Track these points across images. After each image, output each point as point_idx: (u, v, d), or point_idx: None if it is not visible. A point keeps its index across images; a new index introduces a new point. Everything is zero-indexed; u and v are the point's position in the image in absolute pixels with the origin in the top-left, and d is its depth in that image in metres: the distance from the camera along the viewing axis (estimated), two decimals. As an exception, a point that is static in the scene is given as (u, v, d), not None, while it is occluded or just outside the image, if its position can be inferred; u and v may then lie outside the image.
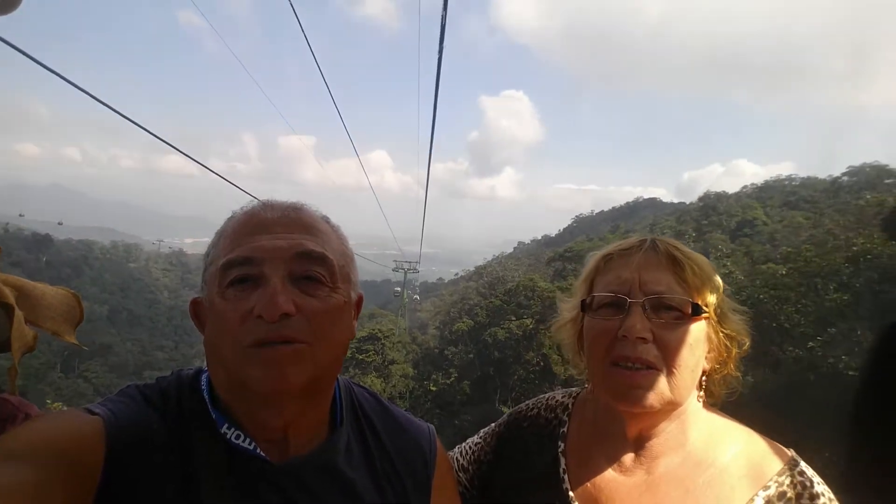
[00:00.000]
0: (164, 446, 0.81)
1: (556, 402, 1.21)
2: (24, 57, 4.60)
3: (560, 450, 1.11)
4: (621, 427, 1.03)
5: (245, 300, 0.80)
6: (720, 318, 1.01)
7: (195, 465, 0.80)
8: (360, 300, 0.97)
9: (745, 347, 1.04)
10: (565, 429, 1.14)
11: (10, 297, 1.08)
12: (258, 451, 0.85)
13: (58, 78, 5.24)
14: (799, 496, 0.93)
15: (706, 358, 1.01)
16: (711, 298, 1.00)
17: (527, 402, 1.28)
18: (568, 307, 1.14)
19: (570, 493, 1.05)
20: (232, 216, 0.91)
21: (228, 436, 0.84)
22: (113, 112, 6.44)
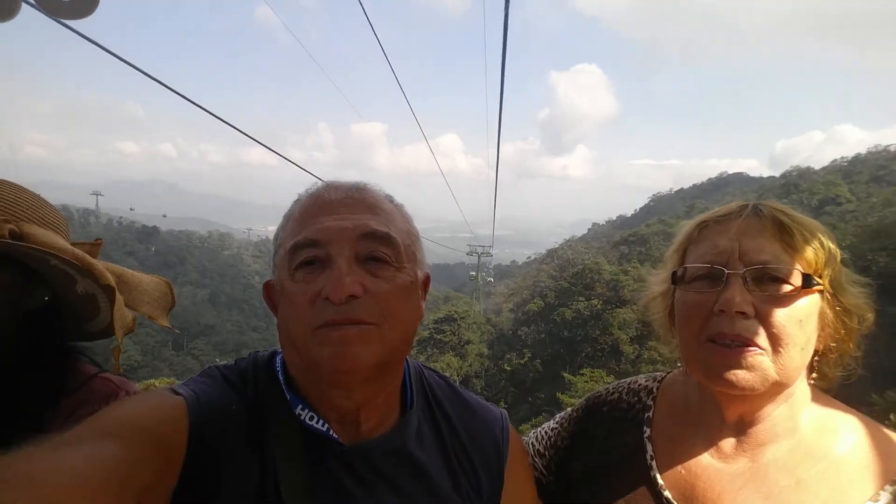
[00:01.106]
0: (243, 425, 0.84)
1: (640, 385, 1.15)
2: (120, 61, 4.95)
3: (646, 435, 1.05)
4: (718, 411, 0.96)
5: (313, 282, 0.81)
6: (836, 290, 0.91)
7: (272, 444, 0.83)
8: (427, 279, 0.96)
9: (868, 324, 0.94)
10: (650, 413, 1.08)
11: (112, 281, 1.17)
12: (331, 432, 0.87)
13: (151, 80, 5.56)
14: None
15: (819, 336, 0.91)
16: (826, 269, 0.89)
17: (606, 386, 1.23)
18: (658, 280, 1.07)
19: (660, 481, 0.98)
20: (298, 199, 0.92)
21: (302, 417, 0.87)
22: (201, 109, 6.81)
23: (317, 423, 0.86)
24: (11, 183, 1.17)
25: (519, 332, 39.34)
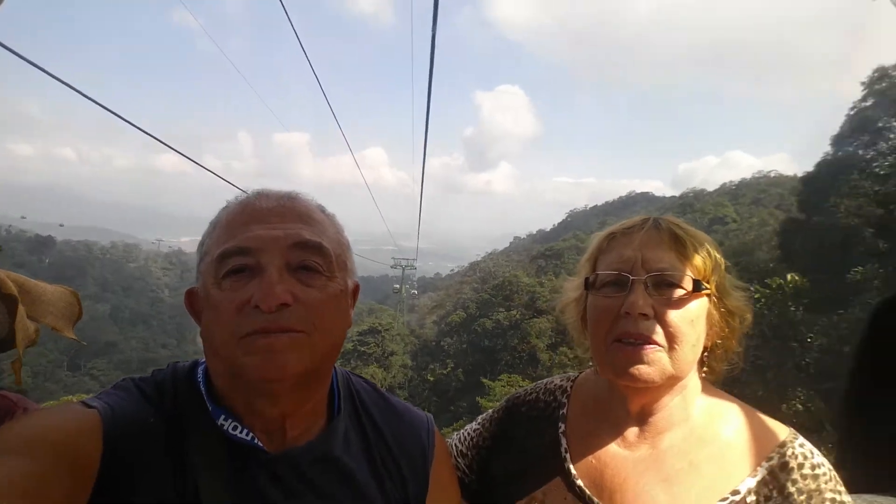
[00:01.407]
0: (161, 438, 0.82)
1: (555, 385, 1.22)
2: (14, 55, 4.49)
3: (561, 430, 1.13)
4: (623, 403, 1.05)
5: (242, 290, 0.80)
6: (721, 294, 1.03)
7: (192, 456, 0.81)
8: (356, 288, 0.96)
9: (747, 323, 1.06)
10: (565, 410, 1.16)
11: (14, 290, 1.12)
12: (255, 441, 0.85)
13: (49, 77, 5.21)
14: (800, 466, 0.95)
15: (707, 334, 1.03)
16: (713, 275, 1.02)
17: (524, 387, 1.30)
18: (572, 286, 1.15)
19: (574, 471, 1.06)
20: (226, 206, 0.91)
21: (225, 427, 0.85)
22: (106, 111, 6.45)
23: (241, 432, 0.85)
24: None
25: (442, 343, 39.93)
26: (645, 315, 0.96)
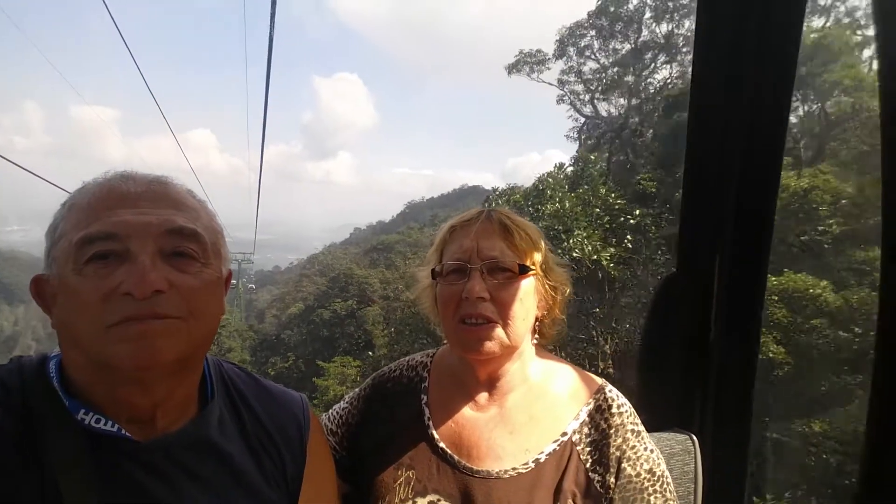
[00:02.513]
0: (9, 438, 0.77)
1: (417, 361, 1.35)
2: None
3: (423, 402, 1.26)
4: (473, 373, 1.21)
5: (108, 278, 0.77)
6: (546, 272, 1.20)
7: (49, 454, 0.77)
8: (229, 276, 0.96)
9: (568, 294, 1.25)
10: (426, 384, 1.29)
11: None
12: (122, 432, 0.82)
13: None
14: (609, 407, 1.18)
15: (538, 306, 1.20)
16: (538, 257, 1.18)
17: (388, 365, 1.40)
18: (423, 275, 1.28)
19: (436, 435, 1.20)
20: (83, 187, 0.86)
21: (86, 421, 0.81)
22: None
23: (105, 424, 0.82)
24: None
25: (282, 336, 40.42)
26: (482, 298, 1.11)
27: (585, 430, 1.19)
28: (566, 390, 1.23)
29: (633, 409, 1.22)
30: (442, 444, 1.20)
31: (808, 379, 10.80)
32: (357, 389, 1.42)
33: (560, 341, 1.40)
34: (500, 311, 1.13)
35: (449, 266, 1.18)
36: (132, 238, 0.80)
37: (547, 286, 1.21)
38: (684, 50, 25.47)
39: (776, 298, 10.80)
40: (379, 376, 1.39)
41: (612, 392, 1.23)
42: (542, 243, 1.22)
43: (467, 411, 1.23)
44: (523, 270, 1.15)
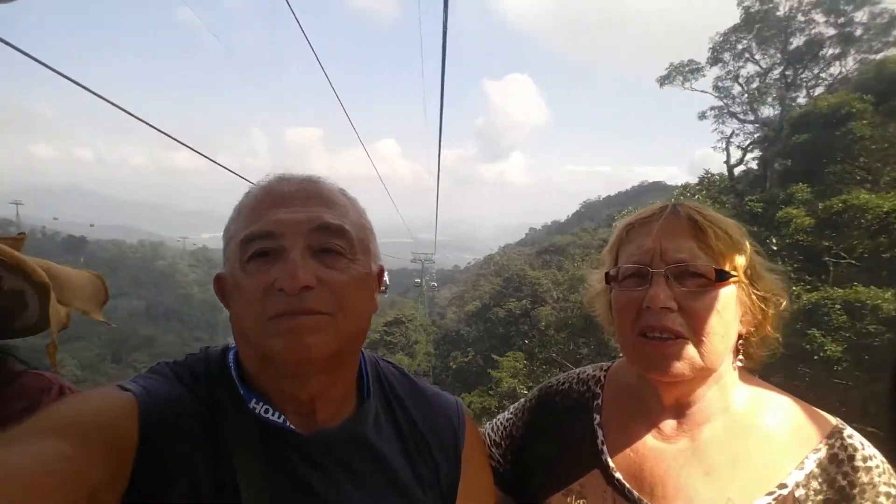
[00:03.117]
0: (196, 421, 0.82)
1: (588, 375, 1.20)
2: (29, 59, 4.46)
3: (596, 422, 1.11)
4: (657, 396, 1.03)
5: (266, 273, 0.81)
6: (752, 279, 0.99)
7: (227, 438, 0.82)
8: (381, 273, 0.97)
9: (784, 306, 1.01)
10: (599, 401, 1.14)
11: (45, 277, 1.14)
12: (287, 423, 0.87)
13: (63, 78, 5.14)
14: (851, 458, 0.91)
15: (741, 321, 0.99)
16: (740, 261, 0.97)
17: (556, 377, 1.27)
18: (596, 279, 1.13)
19: (611, 463, 1.04)
20: (249, 191, 0.92)
21: (257, 410, 0.86)
22: (120, 111, 6.23)
23: (273, 415, 0.87)
24: None
25: (462, 332, 42.91)
26: (668, 308, 0.94)
27: (815, 484, 0.93)
28: (784, 429, 0.99)
29: (887, 465, 0.94)
30: (619, 475, 1.04)
31: None
32: (522, 400, 1.32)
33: (775, 365, 1.13)
34: (691, 324, 0.95)
35: (626, 270, 1.03)
36: (285, 235, 0.83)
37: (754, 297, 1.00)
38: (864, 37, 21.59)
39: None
40: (546, 388, 1.27)
41: (855, 438, 0.96)
42: (747, 244, 1.01)
43: (650, 440, 1.05)
44: (721, 277, 0.96)
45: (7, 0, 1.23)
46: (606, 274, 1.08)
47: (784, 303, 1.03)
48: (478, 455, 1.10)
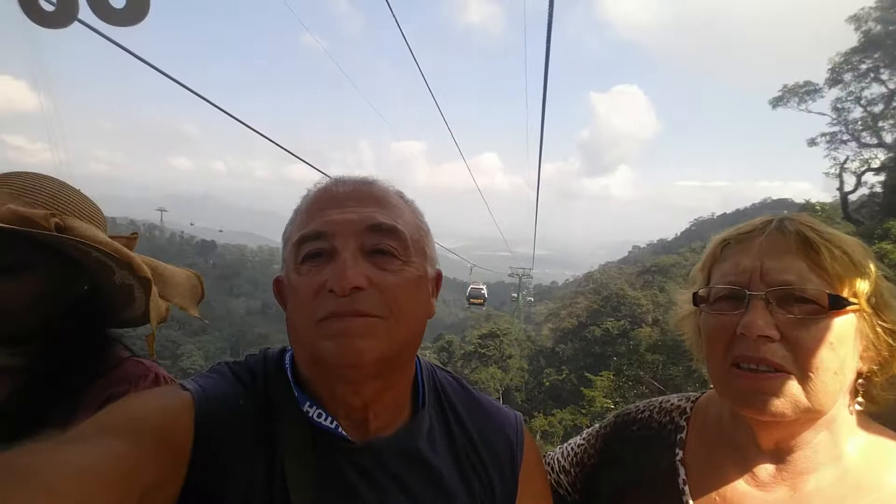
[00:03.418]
0: (251, 421, 0.82)
1: (672, 405, 1.08)
2: (175, 83, 5.36)
3: (678, 458, 0.99)
4: (752, 436, 0.90)
5: (318, 275, 0.80)
6: (877, 308, 0.83)
7: (279, 440, 0.82)
8: (438, 277, 0.94)
9: None
10: (683, 434, 1.02)
11: (148, 272, 1.21)
12: (339, 429, 0.85)
13: (203, 101, 6.02)
14: None
15: (861, 357, 0.85)
16: (861, 286, 0.82)
17: (635, 403, 1.16)
18: (685, 299, 1.01)
19: None
20: (306, 194, 0.91)
21: (310, 414, 0.85)
22: (249, 129, 7.26)
23: (325, 420, 0.85)
24: (56, 179, 1.23)
25: (556, 349, 42.28)
26: (767, 337, 0.81)
27: None
28: None
29: None
30: None
31: None
32: (597, 426, 1.22)
33: None
34: (796, 357, 0.82)
35: (718, 291, 0.91)
36: (337, 236, 0.82)
37: (879, 329, 0.86)
38: None
39: None
40: (623, 415, 1.16)
41: None
42: (871, 267, 0.87)
43: (741, 485, 0.93)
44: (837, 304, 0.82)
45: (129, 23, 1.33)
46: (695, 294, 0.96)
47: None
48: (536, 476, 1.03)
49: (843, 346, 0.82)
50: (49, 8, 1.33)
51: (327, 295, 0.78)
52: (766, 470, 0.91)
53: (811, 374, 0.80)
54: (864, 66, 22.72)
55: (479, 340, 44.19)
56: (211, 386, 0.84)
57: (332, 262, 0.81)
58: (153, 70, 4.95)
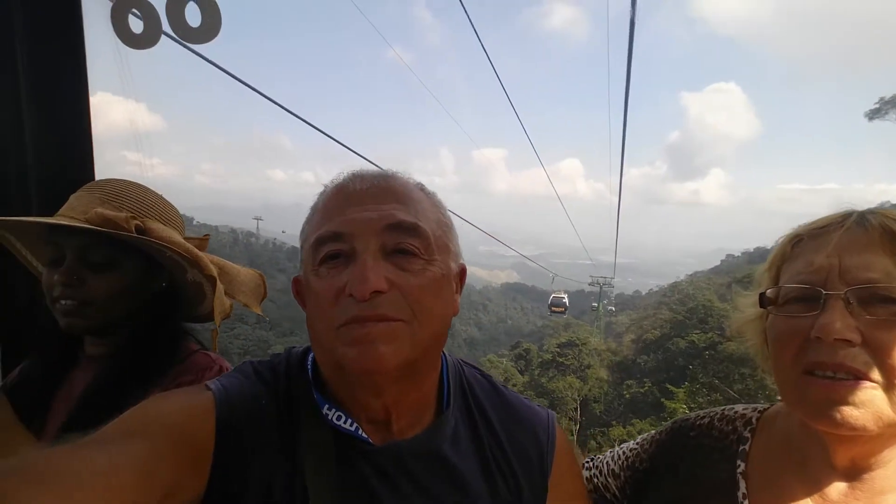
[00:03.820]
0: (272, 422, 0.82)
1: (737, 413, 1.01)
2: (271, 102, 5.89)
3: (739, 470, 0.93)
4: (824, 452, 0.83)
5: (337, 277, 0.78)
6: None
7: (300, 442, 0.82)
8: (462, 272, 0.91)
9: None
10: (747, 446, 0.95)
11: (215, 272, 1.27)
12: (360, 432, 0.84)
13: (294, 117, 6.49)
14: None
15: None
16: None
17: (697, 411, 1.08)
18: (749, 302, 0.95)
19: None
20: (323, 191, 0.88)
21: (330, 416, 0.84)
22: (334, 141, 7.75)
23: (345, 422, 0.84)
24: (139, 184, 1.30)
25: (638, 361, 41.15)
26: (847, 341, 0.74)
27: None
28: None
29: None
30: None
31: None
32: (652, 431, 1.17)
33: None
34: (880, 364, 0.74)
35: (789, 291, 0.83)
36: (356, 236, 0.79)
37: None
38: None
39: None
40: (682, 421, 1.10)
41: None
42: None
43: None
44: None
45: (204, 40, 1.38)
46: (761, 295, 0.88)
47: None
48: (568, 481, 0.99)
49: None
50: (138, 30, 1.44)
51: (347, 299, 0.76)
52: (837, 488, 0.84)
53: None
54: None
55: (557, 349, 43.89)
56: (234, 386, 0.84)
57: (352, 265, 0.78)
58: (252, 90, 5.47)
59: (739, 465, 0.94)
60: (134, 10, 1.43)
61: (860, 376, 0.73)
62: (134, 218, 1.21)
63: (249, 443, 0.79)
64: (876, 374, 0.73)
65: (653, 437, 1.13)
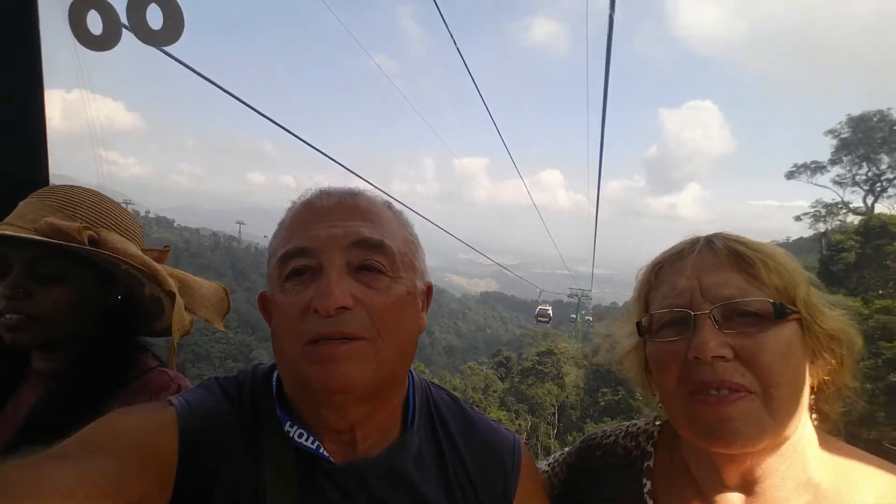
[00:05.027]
0: (236, 438, 0.81)
1: (639, 429, 1.01)
2: (252, 111, 5.99)
3: (646, 489, 0.93)
4: (714, 472, 0.85)
5: (303, 293, 0.78)
6: (814, 315, 0.81)
7: (262, 459, 0.81)
8: (429, 290, 0.91)
9: (858, 348, 0.82)
10: (651, 462, 0.95)
11: (174, 286, 1.21)
12: (321, 450, 0.83)
13: (274, 124, 6.76)
14: None
15: (810, 370, 0.81)
16: (799, 293, 0.80)
17: (605, 427, 1.10)
18: (624, 333, 0.96)
19: None
20: (291, 206, 0.88)
21: (291, 434, 0.83)
22: (313, 149, 8.27)
23: (307, 440, 0.83)
24: (94, 191, 1.22)
25: (613, 370, 42.77)
26: (721, 357, 0.77)
27: None
28: None
29: None
30: None
31: None
32: (561, 452, 1.15)
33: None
34: (755, 374, 0.76)
35: (661, 317, 0.85)
36: (322, 252, 0.79)
37: (821, 336, 0.81)
38: None
39: None
40: (588, 440, 1.08)
41: None
42: (803, 273, 0.83)
43: None
44: (782, 313, 0.77)
45: (166, 43, 1.35)
46: (638, 325, 0.90)
47: (858, 343, 0.84)
48: (535, 501, 0.98)
49: (794, 356, 0.79)
50: (97, 31, 1.37)
51: (313, 315, 0.76)
52: (734, 500, 0.85)
53: (773, 390, 0.76)
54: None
55: (536, 357, 45.60)
56: (197, 401, 0.84)
57: (317, 280, 0.78)
58: (228, 95, 5.50)
59: (645, 484, 0.94)
60: (93, 11, 1.37)
61: (741, 389, 0.76)
62: (87, 228, 1.14)
63: (213, 459, 0.79)
64: (754, 385, 0.77)
65: (562, 458, 1.14)
